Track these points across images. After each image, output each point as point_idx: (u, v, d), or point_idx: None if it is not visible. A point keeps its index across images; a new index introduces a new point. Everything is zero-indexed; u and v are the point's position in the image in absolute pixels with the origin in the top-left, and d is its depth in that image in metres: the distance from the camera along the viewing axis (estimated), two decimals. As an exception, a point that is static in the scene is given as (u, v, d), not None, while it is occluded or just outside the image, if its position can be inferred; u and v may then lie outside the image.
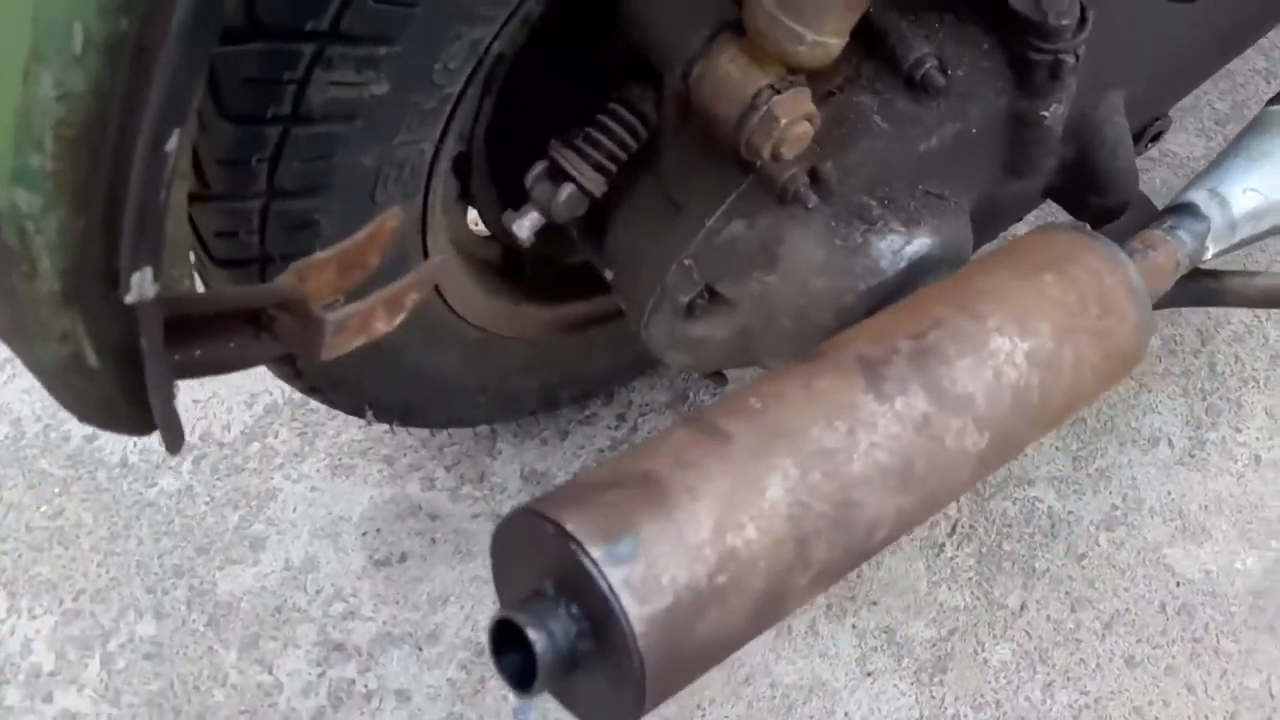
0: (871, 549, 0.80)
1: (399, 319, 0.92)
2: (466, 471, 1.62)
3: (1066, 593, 1.53)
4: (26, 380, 1.69)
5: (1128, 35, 1.13)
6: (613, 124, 1.06)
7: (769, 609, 0.74)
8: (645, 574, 0.67)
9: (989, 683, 1.46)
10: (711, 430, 0.76)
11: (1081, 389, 0.92)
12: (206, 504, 1.60)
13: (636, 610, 0.66)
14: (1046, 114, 1.08)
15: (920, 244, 1.08)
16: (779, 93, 0.95)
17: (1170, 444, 1.64)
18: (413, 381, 1.29)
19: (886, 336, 0.85)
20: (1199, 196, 1.12)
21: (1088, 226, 0.99)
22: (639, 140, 1.08)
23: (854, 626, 1.51)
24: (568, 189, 1.06)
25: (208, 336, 0.87)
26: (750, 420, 0.77)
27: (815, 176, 1.06)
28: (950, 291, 0.91)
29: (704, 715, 1.45)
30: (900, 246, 1.08)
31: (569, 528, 0.68)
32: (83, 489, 1.61)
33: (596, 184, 1.07)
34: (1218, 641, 1.49)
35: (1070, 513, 1.59)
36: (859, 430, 0.78)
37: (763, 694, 1.46)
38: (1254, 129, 1.18)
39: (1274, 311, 1.75)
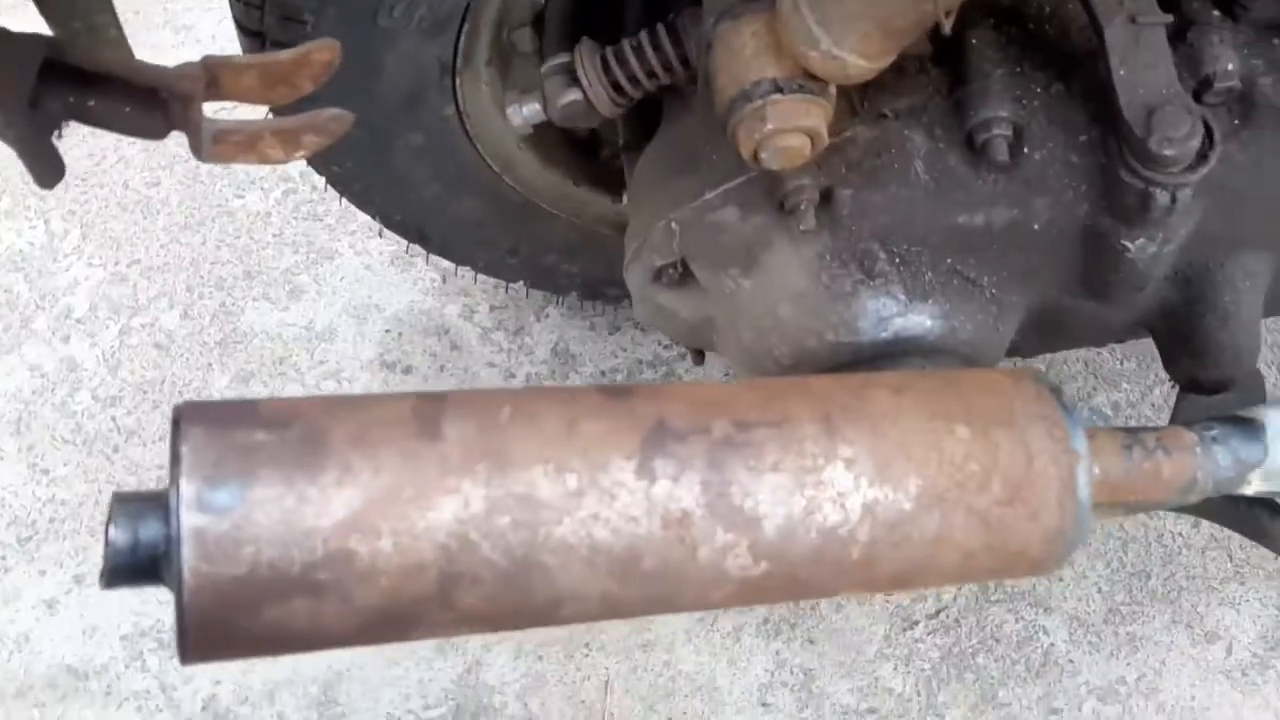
0: (556, 619, 0.70)
1: (298, 154, 0.88)
2: (507, 320, 1.58)
3: (1014, 738, 1.36)
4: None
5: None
6: (648, 49, 0.94)
7: (389, 628, 0.66)
8: (227, 534, 0.61)
9: (876, 779, 1.34)
10: (428, 422, 0.67)
11: (940, 570, 0.77)
12: (274, 236, 1.63)
13: (195, 564, 0.61)
14: (1129, 245, 0.87)
15: (916, 322, 0.92)
16: (781, 92, 0.80)
17: (1229, 650, 1.40)
18: (429, 213, 1.24)
19: (711, 409, 0.73)
20: (1275, 420, 0.89)
21: (1063, 393, 0.80)
22: (672, 74, 0.95)
23: (777, 652, 1.40)
24: (571, 95, 0.95)
25: (105, 94, 0.86)
26: (480, 431, 0.68)
27: (827, 198, 0.91)
28: (834, 392, 0.76)
29: (588, 653, 1.40)
30: (891, 314, 0.92)
31: (182, 450, 0.62)
32: (183, 172, 1.68)
33: (604, 102, 0.95)
34: None
35: (1071, 662, 1.40)
36: (589, 495, 0.68)
37: (654, 665, 1.39)
38: None
39: None
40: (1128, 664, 1.39)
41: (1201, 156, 0.80)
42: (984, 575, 0.79)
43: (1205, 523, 1.48)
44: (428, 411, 0.68)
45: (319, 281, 1.60)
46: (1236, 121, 0.85)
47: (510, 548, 0.66)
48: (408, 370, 1.54)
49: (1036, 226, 0.89)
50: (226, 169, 1.67)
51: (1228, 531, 1.47)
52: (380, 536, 0.64)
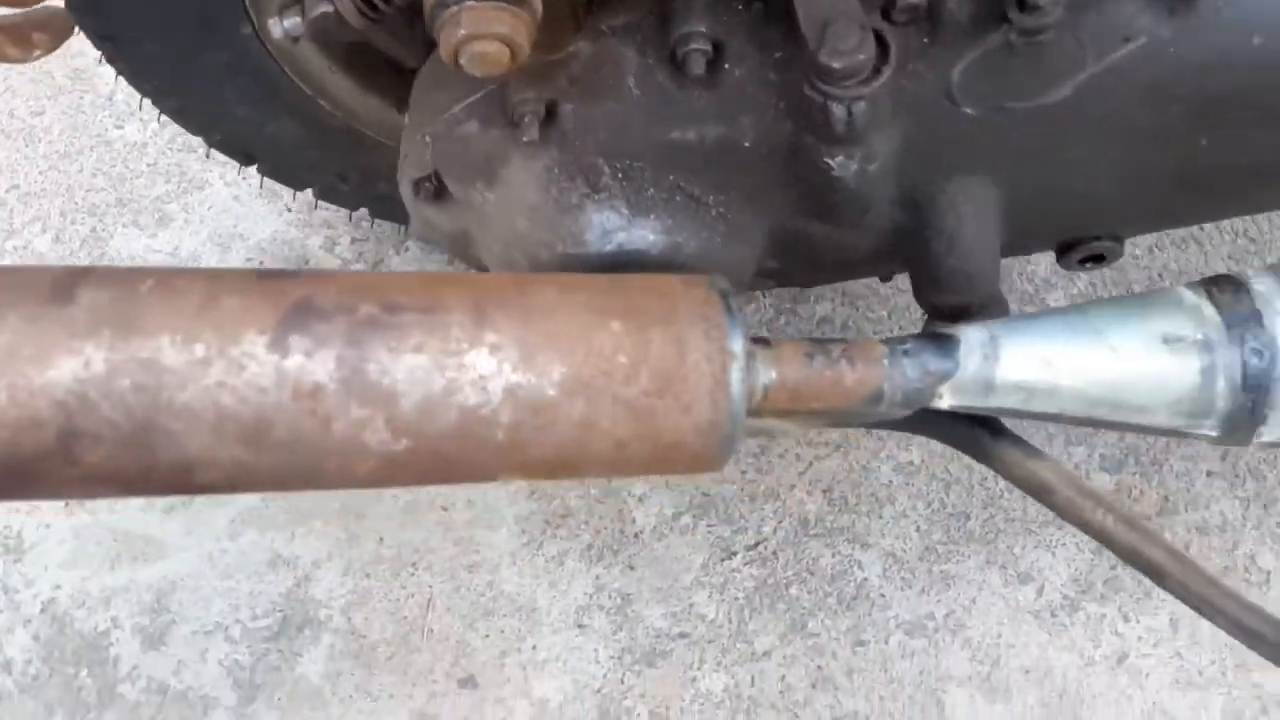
0: (195, 485, 0.74)
1: (35, 53, 0.92)
2: (368, 251, 1.62)
3: (819, 667, 1.39)
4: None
5: (1009, 129, 0.91)
6: (397, -40, 0.97)
7: (15, 481, 0.70)
8: None
9: (682, 702, 1.38)
10: (62, 290, 0.71)
11: (595, 457, 0.80)
12: (149, 165, 1.68)
13: None
14: (831, 163, 0.90)
15: (639, 236, 0.95)
16: (474, -2, 0.84)
17: (1040, 592, 1.43)
18: (248, 134, 1.28)
19: (363, 293, 0.76)
20: (971, 336, 0.90)
21: (733, 297, 0.83)
22: (420, -11, 0.98)
23: (598, 577, 1.44)
24: (322, 7, 0.99)
25: None
26: (114, 300, 0.71)
27: (553, 114, 0.94)
28: (497, 287, 0.80)
29: (415, 572, 1.44)
30: (614, 228, 0.95)
31: None
32: (68, 103, 1.72)
33: (353, 15, 0.99)
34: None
35: (883, 596, 1.43)
36: (216, 364, 0.71)
37: (477, 585, 1.44)
38: (1117, 302, 0.94)
39: (1253, 516, 1.45)
40: (938, 600, 1.42)
41: (875, 70, 0.83)
42: (647, 466, 0.82)
43: (1031, 468, 1.50)
44: (66, 280, 0.72)
45: (188, 210, 1.64)
46: (925, 40, 0.87)
47: (131, 409, 0.70)
48: (265, 297, 1.58)
49: (747, 144, 0.92)
50: (110, 100, 1.72)
51: (1050, 477, 1.49)
52: (-1, 391, 0.68)
